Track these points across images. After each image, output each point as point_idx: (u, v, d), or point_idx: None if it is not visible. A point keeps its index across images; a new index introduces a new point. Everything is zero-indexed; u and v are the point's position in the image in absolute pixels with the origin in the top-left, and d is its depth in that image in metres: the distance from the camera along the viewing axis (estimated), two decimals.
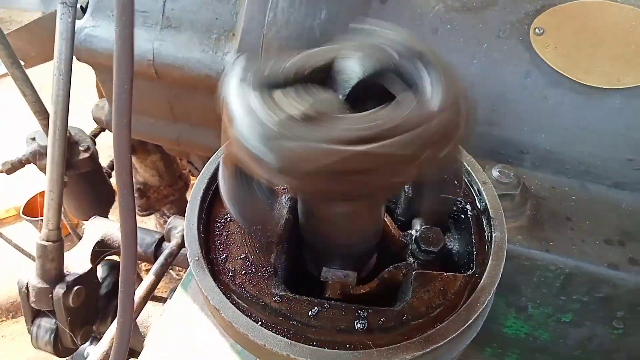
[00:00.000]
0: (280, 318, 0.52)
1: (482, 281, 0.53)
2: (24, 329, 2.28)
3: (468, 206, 0.63)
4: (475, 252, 0.59)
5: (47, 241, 0.94)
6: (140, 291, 0.91)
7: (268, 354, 0.50)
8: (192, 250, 0.56)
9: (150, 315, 1.06)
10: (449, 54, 0.98)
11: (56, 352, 1.02)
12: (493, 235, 0.57)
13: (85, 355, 0.88)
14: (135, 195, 2.00)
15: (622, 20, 0.93)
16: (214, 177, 0.63)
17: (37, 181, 2.52)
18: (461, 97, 0.40)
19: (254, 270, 0.57)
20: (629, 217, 0.95)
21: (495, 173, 0.91)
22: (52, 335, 1.00)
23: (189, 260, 0.55)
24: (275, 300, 0.54)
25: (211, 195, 0.62)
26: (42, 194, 2.45)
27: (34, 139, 1.46)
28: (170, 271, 2.42)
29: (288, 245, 0.59)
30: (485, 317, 0.56)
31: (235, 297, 0.53)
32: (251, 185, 0.45)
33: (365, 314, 0.52)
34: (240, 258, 0.58)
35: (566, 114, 0.95)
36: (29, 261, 2.47)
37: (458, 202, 0.63)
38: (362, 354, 0.48)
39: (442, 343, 0.49)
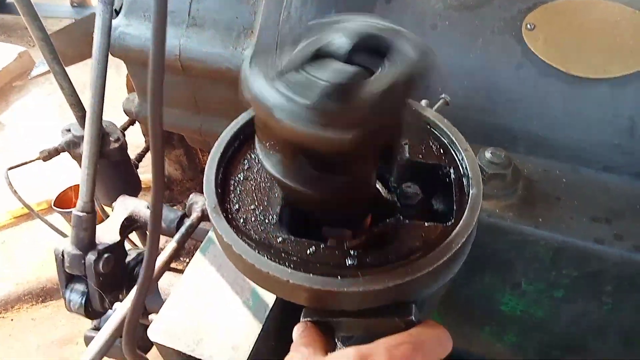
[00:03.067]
0: (283, 255, 0.61)
1: (457, 228, 0.62)
2: (52, 313, 2.44)
3: (452, 170, 0.71)
4: (455, 209, 0.67)
5: (81, 212, 1.05)
6: (162, 257, 1.01)
7: (272, 281, 0.59)
8: (210, 200, 0.66)
9: (172, 285, 1.16)
10: (447, 48, 1.07)
11: (87, 315, 1.13)
12: (470, 191, 0.66)
13: (113, 310, 0.98)
14: None
15: (607, 15, 1.01)
16: (230, 143, 0.73)
17: (67, 176, 2.68)
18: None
19: (262, 218, 0.66)
20: (616, 198, 1.02)
21: (487, 154, 0.99)
22: (84, 299, 1.11)
23: (207, 208, 0.65)
24: (279, 241, 0.63)
25: (227, 158, 0.72)
26: (72, 188, 2.60)
27: (69, 130, 1.59)
28: None
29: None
30: (462, 261, 0.65)
31: (245, 238, 0.63)
32: None
33: (356, 253, 0.61)
34: (251, 209, 0.67)
35: (556, 102, 1.03)
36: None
37: (443, 167, 0.72)
38: (350, 280, 0.57)
39: (418, 275, 0.57)
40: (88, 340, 1.23)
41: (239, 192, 0.69)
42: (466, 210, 0.63)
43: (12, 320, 2.44)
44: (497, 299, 1.14)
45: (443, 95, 0.95)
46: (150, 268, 0.53)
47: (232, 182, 0.71)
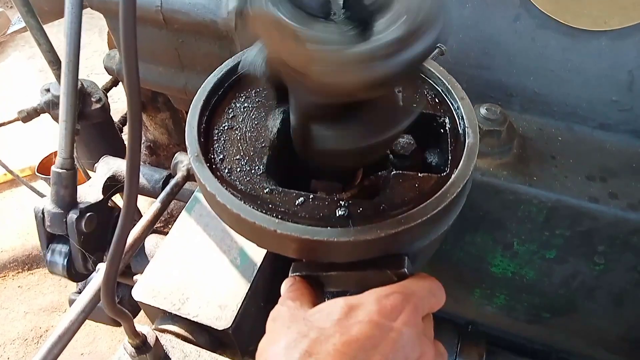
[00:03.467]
0: (270, 206, 0.58)
1: (452, 177, 0.59)
2: (38, 280, 2.41)
3: (447, 120, 0.68)
4: (450, 158, 0.64)
5: (61, 169, 1.01)
6: (147, 216, 0.98)
7: (258, 232, 0.56)
8: (192, 148, 0.62)
9: (157, 246, 1.13)
10: None
11: (70, 277, 1.10)
12: (467, 140, 0.63)
13: (96, 270, 0.95)
14: (146, 152, 2.08)
15: None
16: (214, 91, 0.69)
17: (49, 141, 2.61)
18: None
19: (247, 168, 0.63)
20: (612, 156, 1.00)
21: (482, 111, 0.96)
22: (66, 260, 1.08)
23: (189, 157, 0.62)
24: (266, 192, 0.60)
25: (211, 106, 0.68)
26: (56, 153, 2.54)
27: (48, 90, 1.53)
28: None
29: (279, 151, 0.65)
30: (457, 212, 0.62)
31: (230, 189, 0.59)
32: None
33: (346, 204, 0.58)
34: (236, 159, 0.64)
35: (553, 56, 0.99)
36: None
37: (438, 117, 0.69)
38: (341, 230, 0.54)
39: (412, 224, 0.54)
40: (72, 303, 1.21)
41: (223, 141, 0.66)
42: (462, 159, 0.60)
43: None
44: (488, 260, 1.13)
45: (439, 45, 0.91)
46: (129, 219, 0.49)
47: (216, 131, 0.67)
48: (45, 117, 1.58)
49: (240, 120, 0.68)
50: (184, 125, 0.67)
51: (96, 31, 3.18)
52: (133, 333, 0.67)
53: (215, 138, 0.66)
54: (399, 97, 0.63)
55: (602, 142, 1.02)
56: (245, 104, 0.70)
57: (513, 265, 1.11)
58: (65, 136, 1.02)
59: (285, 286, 0.60)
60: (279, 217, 0.56)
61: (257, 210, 0.57)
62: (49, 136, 2.59)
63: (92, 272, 1.11)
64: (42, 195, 1.57)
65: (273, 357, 0.48)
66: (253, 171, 0.62)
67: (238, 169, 0.62)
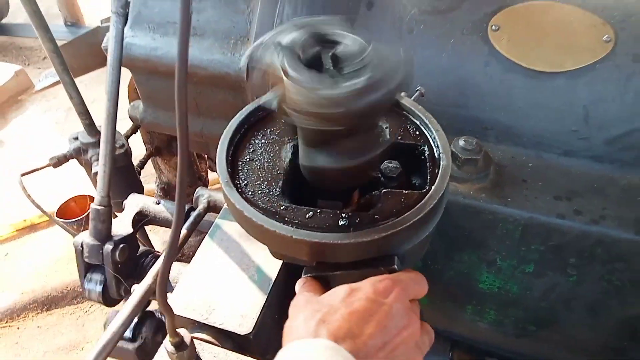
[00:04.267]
0: (286, 219, 0.73)
1: (430, 192, 0.74)
2: (57, 321, 2.52)
3: (425, 148, 0.84)
4: (429, 179, 0.80)
5: (99, 205, 1.16)
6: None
7: (278, 238, 0.71)
8: (223, 176, 0.78)
9: (180, 273, 1.27)
10: (422, 49, 1.21)
11: (104, 302, 1.23)
12: (441, 163, 0.79)
13: (132, 290, 1.08)
14: (160, 194, 2.24)
15: (563, 17, 1.15)
16: (237, 130, 0.86)
17: (66, 188, 2.77)
18: None
19: (267, 191, 0.78)
20: (576, 179, 1.14)
21: (461, 142, 1.12)
22: (102, 287, 1.22)
23: (221, 183, 0.77)
24: (282, 209, 0.75)
25: (235, 143, 0.85)
26: (73, 199, 2.69)
27: (76, 138, 1.70)
28: None
29: (291, 177, 0.81)
30: (435, 221, 0.77)
31: (254, 207, 0.75)
32: None
33: (347, 216, 0.73)
34: (257, 183, 0.79)
35: (519, 94, 1.16)
36: (62, 262, 2.72)
37: (418, 146, 0.85)
38: (343, 234, 0.69)
39: (399, 229, 0.69)
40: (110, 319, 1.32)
41: (246, 170, 0.82)
42: (437, 177, 0.76)
43: (18, 328, 2.51)
44: (476, 277, 1.25)
45: (419, 87, 1.09)
46: (180, 219, 0.64)
47: (240, 162, 0.83)
48: (57, 170, 1.73)
49: (259, 153, 0.84)
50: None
51: None
52: (174, 331, 0.80)
53: (240, 168, 0.82)
54: (377, 130, 0.79)
55: (567, 167, 1.16)
56: (263, 141, 0.86)
57: (498, 280, 1.23)
58: (103, 177, 1.18)
59: (299, 285, 0.75)
60: (294, 226, 0.72)
61: (277, 222, 0.72)
62: (63, 186, 2.77)
63: (124, 297, 1.24)
64: (74, 235, 1.71)
65: (295, 328, 0.62)
66: (271, 193, 0.78)
67: (259, 192, 0.78)
